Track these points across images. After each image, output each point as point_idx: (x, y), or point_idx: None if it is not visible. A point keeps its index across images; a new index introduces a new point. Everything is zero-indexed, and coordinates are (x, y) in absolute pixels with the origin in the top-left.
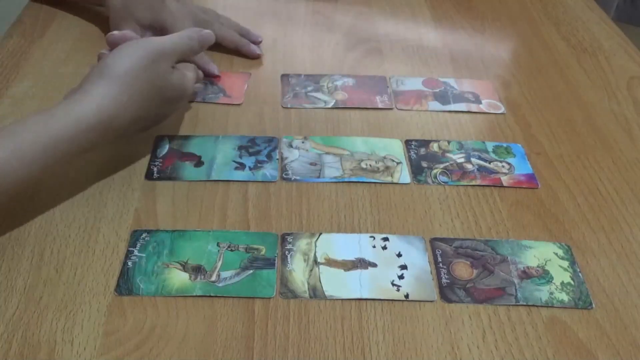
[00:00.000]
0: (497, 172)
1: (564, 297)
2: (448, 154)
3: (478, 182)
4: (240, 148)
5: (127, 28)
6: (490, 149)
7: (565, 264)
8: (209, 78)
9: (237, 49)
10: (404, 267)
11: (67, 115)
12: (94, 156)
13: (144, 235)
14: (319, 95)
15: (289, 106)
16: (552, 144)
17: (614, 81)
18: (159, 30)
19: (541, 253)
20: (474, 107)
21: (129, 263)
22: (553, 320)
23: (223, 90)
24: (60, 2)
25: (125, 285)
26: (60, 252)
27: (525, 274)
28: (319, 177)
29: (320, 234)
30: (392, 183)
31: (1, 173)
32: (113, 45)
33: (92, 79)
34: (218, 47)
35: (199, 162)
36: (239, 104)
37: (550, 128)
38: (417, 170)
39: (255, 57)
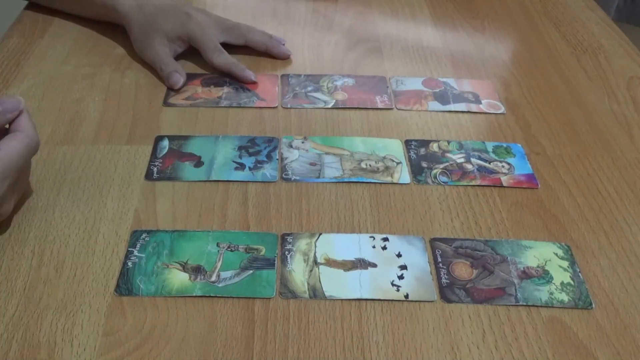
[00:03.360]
0: (497, 172)
1: (564, 297)
2: (448, 154)
3: (478, 182)
4: (240, 148)
5: (156, 40)
6: (490, 149)
7: (565, 264)
8: (242, 84)
9: (268, 50)
10: (403, 267)
11: None
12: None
13: (143, 235)
14: (318, 95)
15: (289, 106)
16: (552, 144)
17: (614, 81)
18: (187, 41)
19: (541, 253)
20: (473, 107)
21: (129, 263)
22: (553, 321)
23: (256, 94)
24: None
25: (125, 285)
26: (60, 252)
27: (525, 274)
28: (318, 177)
29: (320, 234)
30: (392, 183)
31: None
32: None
33: None
34: (246, 50)
35: (198, 162)
36: (274, 107)
37: (550, 128)
38: (417, 171)
39: (285, 58)
